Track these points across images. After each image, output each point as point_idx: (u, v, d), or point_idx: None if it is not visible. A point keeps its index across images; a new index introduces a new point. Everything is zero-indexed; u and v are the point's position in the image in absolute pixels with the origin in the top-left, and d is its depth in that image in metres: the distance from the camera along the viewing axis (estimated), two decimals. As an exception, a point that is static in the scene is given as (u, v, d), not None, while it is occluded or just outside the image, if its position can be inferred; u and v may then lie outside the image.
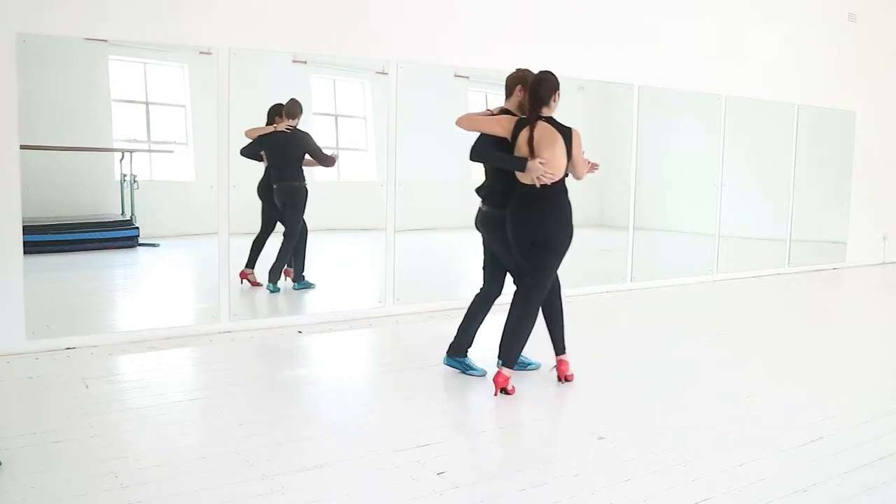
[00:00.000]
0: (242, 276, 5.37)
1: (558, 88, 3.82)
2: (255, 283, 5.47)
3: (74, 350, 4.47)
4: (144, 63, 5.21)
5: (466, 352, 4.15)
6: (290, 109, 5.42)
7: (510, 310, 3.84)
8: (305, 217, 5.64)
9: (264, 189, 5.45)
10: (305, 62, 5.48)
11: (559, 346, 4.04)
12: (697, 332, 5.60)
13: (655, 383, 4.14)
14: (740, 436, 3.35)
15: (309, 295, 5.79)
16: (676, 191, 7.61)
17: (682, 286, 7.32)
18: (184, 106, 5.44)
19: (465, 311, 4.17)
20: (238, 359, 4.60)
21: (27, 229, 4.38)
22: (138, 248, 5.28)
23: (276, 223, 5.53)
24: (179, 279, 5.87)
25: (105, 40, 4.71)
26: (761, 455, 3.12)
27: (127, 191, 5.14)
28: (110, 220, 5.19)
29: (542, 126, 3.76)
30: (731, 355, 4.82)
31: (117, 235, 5.20)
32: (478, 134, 3.88)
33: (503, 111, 3.97)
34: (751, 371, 4.44)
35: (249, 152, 5.21)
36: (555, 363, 4.05)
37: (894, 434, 3.43)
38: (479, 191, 4.07)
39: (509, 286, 4.07)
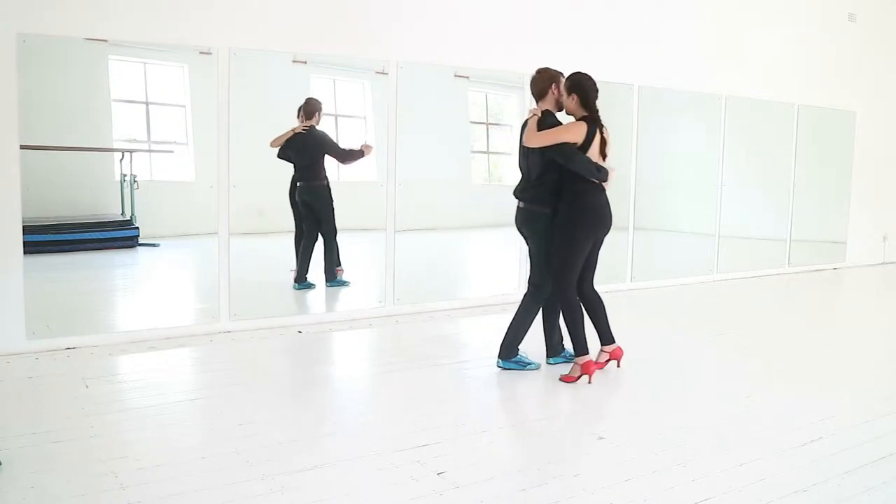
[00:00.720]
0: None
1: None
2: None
3: (74, 350, 4.47)
4: (144, 63, 5.21)
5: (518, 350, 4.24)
6: (307, 109, 5.47)
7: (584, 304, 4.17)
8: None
9: (293, 192, 5.57)
10: (305, 62, 5.48)
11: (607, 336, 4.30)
12: (697, 332, 5.60)
13: (655, 383, 4.14)
14: (740, 436, 3.35)
15: (309, 295, 5.79)
16: (676, 191, 7.61)
17: (682, 286, 7.32)
18: (184, 106, 5.44)
19: (521, 312, 4.21)
20: (238, 359, 4.60)
21: (27, 229, 4.38)
22: (138, 248, 5.28)
23: (309, 224, 5.62)
24: (179, 279, 5.87)
25: (105, 40, 4.71)
26: (761, 455, 3.12)
27: (127, 191, 5.14)
28: (110, 220, 5.19)
29: (605, 129, 4.03)
30: (731, 355, 4.82)
31: (117, 235, 5.20)
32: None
33: (547, 112, 4.04)
34: (751, 371, 4.44)
35: (282, 157, 5.45)
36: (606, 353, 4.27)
37: (894, 434, 3.43)
38: (523, 192, 4.13)
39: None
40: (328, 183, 5.61)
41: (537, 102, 4.13)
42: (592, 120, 3.98)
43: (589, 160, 3.94)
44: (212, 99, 4.90)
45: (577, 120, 4.00)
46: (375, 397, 3.96)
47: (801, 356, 4.89)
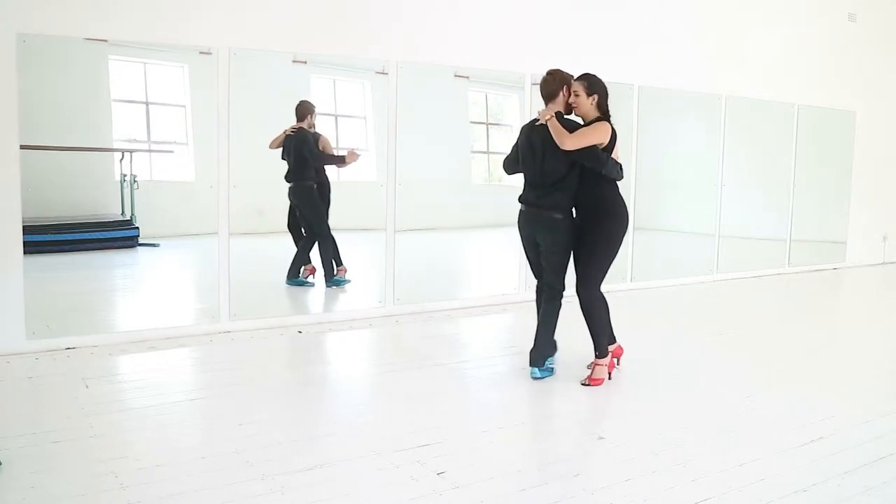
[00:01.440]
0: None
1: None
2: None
3: (74, 350, 4.47)
4: (144, 63, 5.21)
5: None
6: (298, 111, 5.48)
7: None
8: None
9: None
10: (305, 62, 5.48)
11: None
12: (697, 332, 5.60)
13: (655, 383, 4.14)
14: (740, 436, 3.35)
15: (309, 295, 5.79)
16: (676, 191, 7.61)
17: (682, 286, 7.32)
18: (184, 106, 5.44)
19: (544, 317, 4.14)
20: (238, 359, 4.60)
21: (27, 229, 4.38)
22: (138, 248, 5.28)
23: (304, 224, 5.65)
24: (179, 279, 5.87)
25: (105, 40, 4.71)
26: (761, 455, 3.12)
27: (127, 191, 5.14)
28: (110, 220, 5.19)
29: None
30: (731, 355, 4.82)
31: (117, 235, 5.20)
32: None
33: (558, 114, 3.93)
34: (751, 371, 4.44)
35: (283, 158, 5.49)
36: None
37: (894, 434, 3.43)
38: (541, 198, 3.98)
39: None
40: (315, 184, 5.58)
41: (546, 104, 4.03)
42: (608, 121, 3.97)
43: (615, 161, 3.93)
44: (212, 99, 4.90)
45: (594, 121, 3.95)
46: (375, 397, 3.96)
47: (801, 356, 4.89)
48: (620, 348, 4.28)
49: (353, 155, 5.66)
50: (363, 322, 5.46)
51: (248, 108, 5.16)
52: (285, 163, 5.50)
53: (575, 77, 4.01)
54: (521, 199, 4.09)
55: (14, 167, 4.29)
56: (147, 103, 5.29)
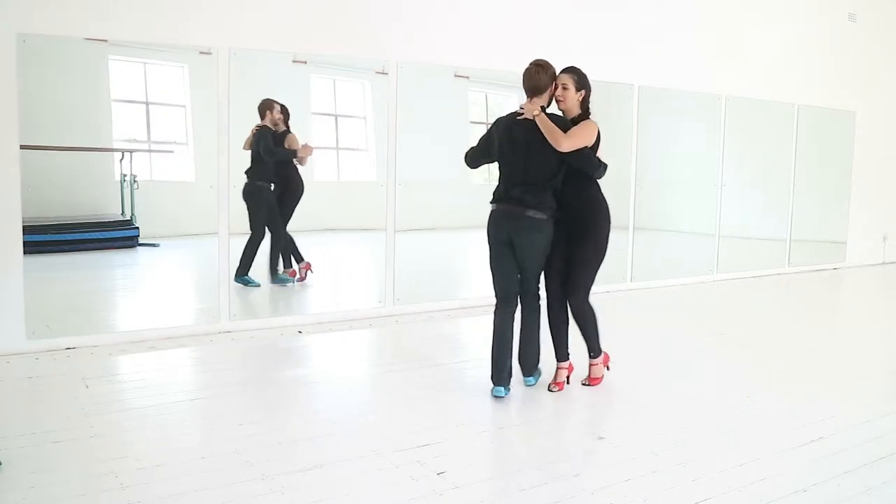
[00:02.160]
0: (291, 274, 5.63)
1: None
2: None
3: (74, 350, 4.47)
4: (144, 63, 5.21)
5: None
6: (258, 108, 5.30)
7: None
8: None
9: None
10: (305, 62, 5.48)
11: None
12: (697, 332, 5.60)
13: (655, 383, 4.14)
14: (740, 436, 3.35)
15: (309, 295, 5.79)
16: (676, 191, 7.61)
17: (682, 286, 7.32)
18: (184, 106, 5.43)
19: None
20: (238, 359, 4.60)
21: (27, 229, 4.38)
22: (138, 248, 5.28)
23: (261, 225, 5.43)
24: (179, 279, 5.87)
25: (105, 40, 4.71)
26: (761, 455, 3.12)
27: (127, 191, 5.14)
28: (110, 220, 5.19)
29: None
30: (731, 355, 4.82)
31: (117, 235, 5.20)
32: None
33: (543, 109, 3.75)
34: (751, 371, 4.44)
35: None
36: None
37: (894, 434, 3.43)
38: (524, 196, 3.71)
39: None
40: (269, 184, 5.35)
41: (531, 97, 3.74)
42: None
43: (600, 161, 3.81)
44: (212, 99, 4.90)
45: (578, 118, 3.81)
46: (375, 397, 3.96)
47: (802, 356, 4.89)
48: (606, 355, 4.13)
49: (307, 149, 5.46)
50: (363, 322, 5.46)
51: (248, 108, 5.16)
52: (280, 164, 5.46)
53: (559, 69, 3.81)
54: (497, 198, 3.78)
55: (14, 167, 4.29)
56: (147, 103, 5.29)
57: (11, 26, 4.20)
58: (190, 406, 3.67)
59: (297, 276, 5.69)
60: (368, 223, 5.85)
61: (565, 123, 3.73)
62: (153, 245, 5.34)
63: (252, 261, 5.34)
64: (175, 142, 5.50)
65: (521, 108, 3.74)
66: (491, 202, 3.83)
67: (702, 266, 7.61)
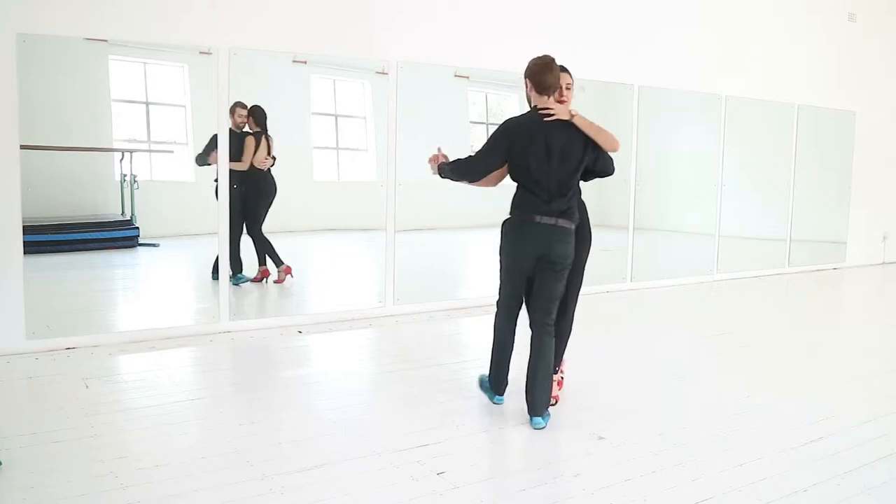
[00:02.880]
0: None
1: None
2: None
3: (74, 350, 4.47)
4: (144, 63, 5.21)
5: None
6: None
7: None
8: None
9: None
10: (305, 62, 5.48)
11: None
12: (697, 332, 5.60)
13: (655, 383, 4.14)
14: (740, 436, 3.35)
15: (309, 295, 5.79)
16: (676, 191, 7.61)
17: (682, 286, 7.32)
18: (184, 106, 5.44)
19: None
20: (238, 359, 4.60)
21: (27, 229, 4.38)
22: (138, 248, 5.28)
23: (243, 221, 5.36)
24: (179, 279, 5.87)
25: (105, 40, 4.71)
26: (761, 455, 3.12)
27: (127, 191, 5.14)
28: (110, 220, 5.19)
29: None
30: (731, 355, 4.82)
31: (117, 235, 5.20)
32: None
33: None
34: (751, 371, 4.44)
35: None
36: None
37: (894, 434, 3.43)
38: (564, 208, 3.42)
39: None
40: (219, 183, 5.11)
41: (548, 94, 3.40)
42: None
43: None
44: (212, 99, 4.90)
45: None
46: (375, 397, 3.96)
47: (802, 356, 4.89)
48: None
49: (213, 156, 5.13)
50: (363, 322, 5.46)
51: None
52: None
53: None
54: (535, 208, 3.37)
55: (14, 167, 4.29)
56: (147, 103, 5.29)
57: (11, 26, 4.20)
58: (190, 406, 3.67)
59: (262, 277, 5.54)
60: (368, 223, 5.85)
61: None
62: (153, 245, 5.34)
63: (232, 259, 5.21)
64: (175, 142, 5.50)
65: (547, 109, 3.36)
66: (520, 213, 3.43)
67: (702, 266, 7.61)
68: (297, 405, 3.75)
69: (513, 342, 3.63)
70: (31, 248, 4.41)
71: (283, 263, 5.62)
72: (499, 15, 6.02)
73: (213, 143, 5.02)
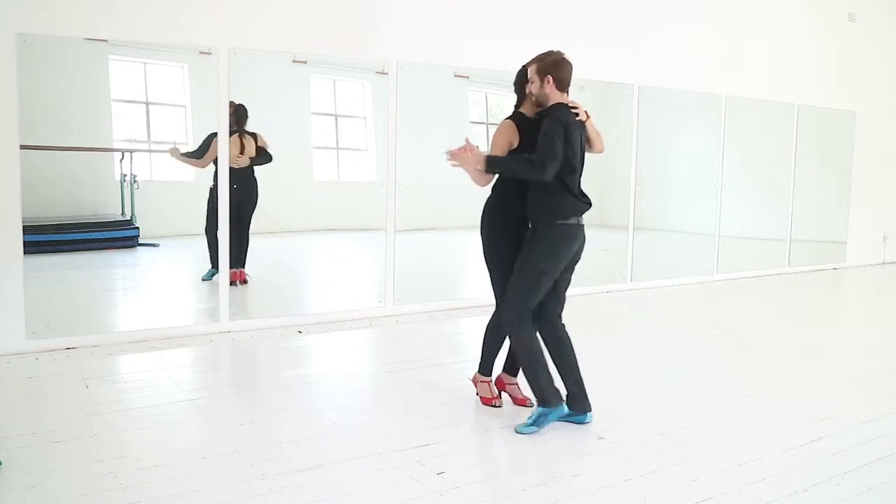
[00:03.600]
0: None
1: (525, 80, 3.47)
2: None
3: (74, 350, 4.47)
4: (144, 63, 5.21)
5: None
6: None
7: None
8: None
9: None
10: (305, 62, 5.48)
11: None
12: (697, 332, 5.60)
13: (655, 383, 4.14)
14: (740, 436, 3.35)
15: (309, 295, 5.79)
16: (676, 191, 7.61)
17: (682, 286, 7.32)
18: (184, 106, 5.44)
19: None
20: (238, 359, 4.60)
21: (27, 229, 4.38)
22: (138, 248, 5.28)
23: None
24: (179, 279, 5.87)
25: (105, 40, 4.71)
26: (761, 455, 3.12)
27: (127, 191, 5.14)
28: (110, 220, 5.19)
29: None
30: (731, 355, 4.82)
31: (117, 235, 5.20)
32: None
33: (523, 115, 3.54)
34: (751, 371, 4.44)
35: None
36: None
37: (894, 434, 3.43)
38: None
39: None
40: (212, 185, 5.06)
41: (567, 91, 3.40)
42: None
43: None
44: (212, 99, 4.90)
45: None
46: (375, 397, 3.96)
47: (802, 356, 4.89)
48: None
49: (173, 149, 5.25)
50: (363, 322, 5.46)
51: (249, 108, 5.16)
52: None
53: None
54: (571, 212, 3.34)
55: (14, 167, 4.29)
56: (147, 103, 5.29)
57: (11, 26, 4.20)
58: (190, 406, 3.67)
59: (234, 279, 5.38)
60: (368, 223, 5.85)
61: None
62: (153, 245, 5.34)
63: (212, 254, 5.16)
64: (175, 142, 5.50)
65: (577, 107, 3.36)
66: (568, 218, 3.34)
67: (702, 266, 7.61)
68: (297, 405, 3.75)
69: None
70: (31, 248, 4.41)
71: (240, 268, 5.34)
72: (499, 15, 6.02)
73: (206, 143, 5.03)
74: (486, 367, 3.70)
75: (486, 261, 3.57)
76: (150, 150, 5.35)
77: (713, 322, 6.01)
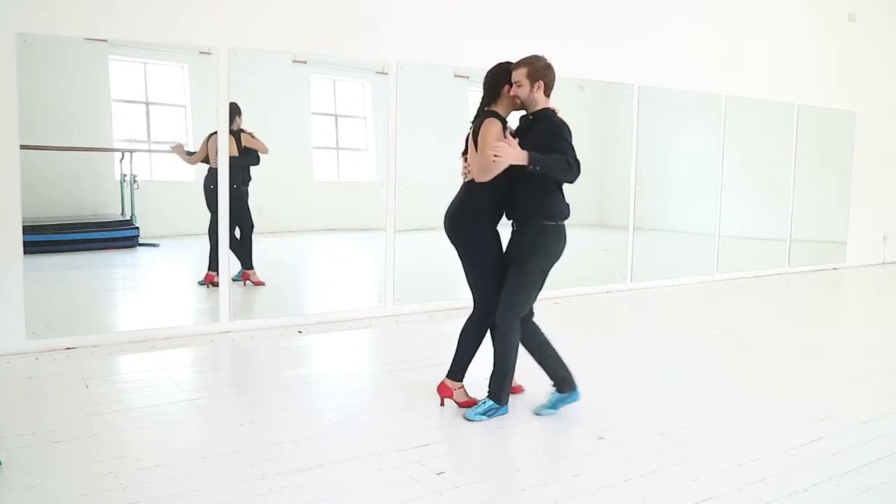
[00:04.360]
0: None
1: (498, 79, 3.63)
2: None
3: (74, 350, 4.47)
4: (144, 63, 5.21)
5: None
6: None
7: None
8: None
9: None
10: (305, 62, 5.48)
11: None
12: (697, 332, 5.60)
13: (655, 383, 4.14)
14: (740, 436, 3.35)
15: (309, 295, 5.79)
16: (676, 191, 7.61)
17: (682, 286, 7.32)
18: (184, 106, 5.44)
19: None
20: (238, 359, 4.60)
21: (27, 229, 4.38)
22: (138, 248, 5.28)
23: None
24: (179, 279, 5.87)
25: (105, 40, 4.71)
26: (761, 455, 3.12)
27: (127, 191, 5.14)
28: (110, 220, 5.19)
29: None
30: (731, 355, 4.82)
31: (117, 235, 5.20)
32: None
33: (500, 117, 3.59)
34: (751, 371, 4.44)
35: None
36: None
37: (894, 434, 3.44)
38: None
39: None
40: (212, 185, 5.09)
41: (548, 97, 3.51)
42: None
43: None
44: (212, 99, 4.90)
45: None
46: (375, 397, 3.96)
47: (802, 356, 4.89)
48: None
49: (177, 146, 5.26)
50: (363, 322, 5.46)
51: (248, 108, 5.16)
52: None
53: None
54: (565, 214, 3.48)
55: (14, 167, 4.29)
56: (147, 103, 5.29)
57: (11, 26, 4.20)
58: (190, 406, 3.67)
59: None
60: (368, 223, 5.85)
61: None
62: (153, 245, 5.34)
63: (210, 254, 5.16)
64: (175, 142, 5.49)
65: (558, 113, 3.49)
66: (561, 219, 3.46)
67: (702, 266, 7.61)
68: (297, 405, 3.75)
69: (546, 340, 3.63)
70: (31, 248, 4.41)
71: (213, 271, 5.21)
72: (498, 15, 6.02)
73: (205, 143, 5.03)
74: (458, 372, 3.68)
75: (464, 264, 3.59)
76: (150, 150, 5.35)
77: (713, 322, 6.01)
